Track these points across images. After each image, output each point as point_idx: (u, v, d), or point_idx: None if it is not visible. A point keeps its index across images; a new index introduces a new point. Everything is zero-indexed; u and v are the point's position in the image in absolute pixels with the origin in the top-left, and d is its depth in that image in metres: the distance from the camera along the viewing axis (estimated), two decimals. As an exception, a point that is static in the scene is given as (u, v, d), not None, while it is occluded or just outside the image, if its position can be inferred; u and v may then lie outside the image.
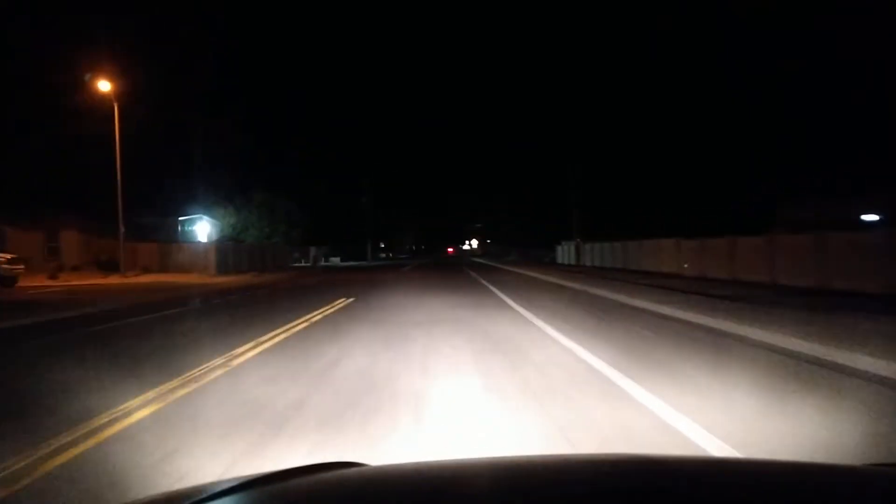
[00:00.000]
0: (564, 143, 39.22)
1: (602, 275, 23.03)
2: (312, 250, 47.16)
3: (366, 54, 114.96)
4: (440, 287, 18.84)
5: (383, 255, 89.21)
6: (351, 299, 13.75)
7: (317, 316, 10.84)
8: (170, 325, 10.29)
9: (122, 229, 22.95)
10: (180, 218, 43.43)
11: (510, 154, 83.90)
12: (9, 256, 18.50)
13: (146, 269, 25.54)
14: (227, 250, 33.59)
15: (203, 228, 44.34)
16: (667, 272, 22.31)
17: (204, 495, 1.01)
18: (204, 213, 48.28)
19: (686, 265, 21.22)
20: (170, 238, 37.50)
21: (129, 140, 26.51)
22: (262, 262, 37.42)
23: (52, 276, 22.31)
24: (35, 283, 20.21)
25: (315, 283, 21.34)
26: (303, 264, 43.77)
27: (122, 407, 4.54)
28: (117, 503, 2.73)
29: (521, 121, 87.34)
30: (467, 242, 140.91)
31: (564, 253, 40.90)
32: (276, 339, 8.04)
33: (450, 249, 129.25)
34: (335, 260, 59.45)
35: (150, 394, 4.96)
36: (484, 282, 20.93)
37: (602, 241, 31.15)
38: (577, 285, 17.91)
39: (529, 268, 29.95)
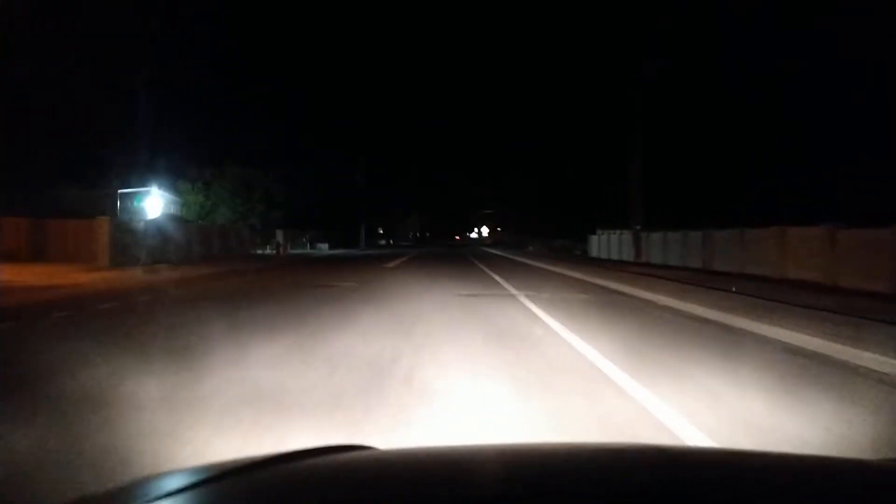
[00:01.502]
0: (615, 108, 30.40)
1: (718, 283, 14.35)
2: (279, 235, 38.61)
3: (366, 11, 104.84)
4: (442, 317, 9.72)
5: (383, 243, 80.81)
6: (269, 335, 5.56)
7: None
8: None
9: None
10: (122, 191, 35.15)
11: (527, 129, 74.31)
12: None
13: (11, 256, 17.26)
14: (147, 232, 25.27)
15: (154, 204, 35.96)
16: (804, 280, 13.75)
17: (211, 475, 1.00)
18: (160, 186, 39.95)
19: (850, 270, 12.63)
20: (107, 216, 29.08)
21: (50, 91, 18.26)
22: (207, 248, 29.05)
23: None
24: None
25: (223, 292, 12.78)
26: (268, 252, 35.17)
27: None
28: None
29: (539, 89, 78.11)
30: (475, 230, 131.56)
31: (602, 244, 32.33)
32: None
33: (458, 237, 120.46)
34: (323, 247, 51.16)
35: None
36: (526, 301, 12.43)
37: (665, 229, 22.64)
38: (740, 320, 9.18)
39: (571, 266, 21.45)
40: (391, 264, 24.96)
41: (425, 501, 0.90)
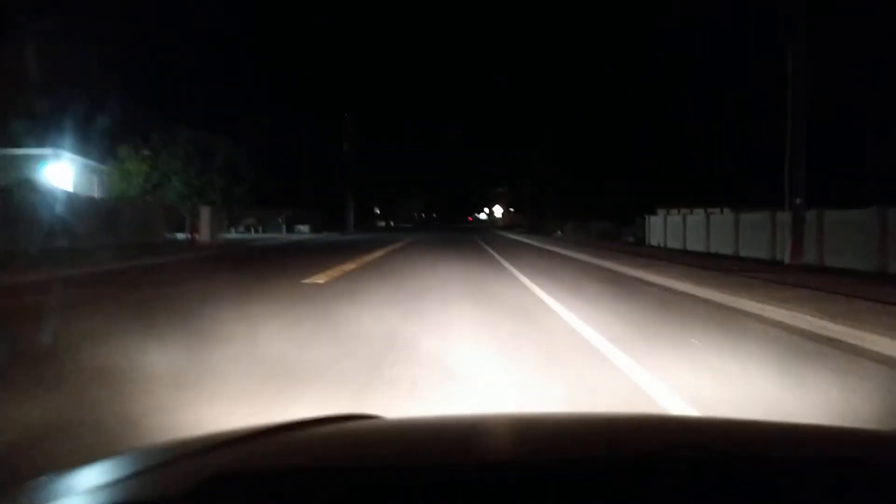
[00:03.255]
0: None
1: None
2: (205, 213, 28.86)
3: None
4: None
5: (382, 224, 71.62)
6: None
7: None
8: None
9: None
10: (15, 151, 26.06)
11: (547, 84, 63.62)
12: None
13: None
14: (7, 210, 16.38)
15: (61, 173, 26.85)
16: None
17: (223, 441, 1.02)
18: (82, 151, 31.01)
19: None
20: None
21: None
22: (115, 234, 20.00)
23: None
24: None
25: None
26: (198, 238, 25.52)
27: None
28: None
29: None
30: (486, 211, 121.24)
31: (670, 228, 22.99)
32: None
33: (470, 218, 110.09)
34: (303, 229, 42.05)
35: None
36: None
37: (838, 207, 13.11)
38: None
39: (679, 272, 12.32)
40: (384, 252, 15.95)
41: (433, 467, 0.90)
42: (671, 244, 22.68)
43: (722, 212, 19.70)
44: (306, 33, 70.54)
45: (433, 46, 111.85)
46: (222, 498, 0.78)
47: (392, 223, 76.91)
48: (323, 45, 77.96)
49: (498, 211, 76.80)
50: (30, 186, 19.39)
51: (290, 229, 42.45)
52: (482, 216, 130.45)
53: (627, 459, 0.91)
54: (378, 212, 62.31)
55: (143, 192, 38.05)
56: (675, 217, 23.88)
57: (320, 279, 10.78)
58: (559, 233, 35.40)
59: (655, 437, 1.10)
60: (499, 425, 1.21)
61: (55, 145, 27.68)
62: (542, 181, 44.30)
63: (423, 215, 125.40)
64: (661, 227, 23.99)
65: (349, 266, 13.75)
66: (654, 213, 26.19)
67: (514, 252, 20.13)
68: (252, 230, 39.13)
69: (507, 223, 71.16)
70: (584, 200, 38.88)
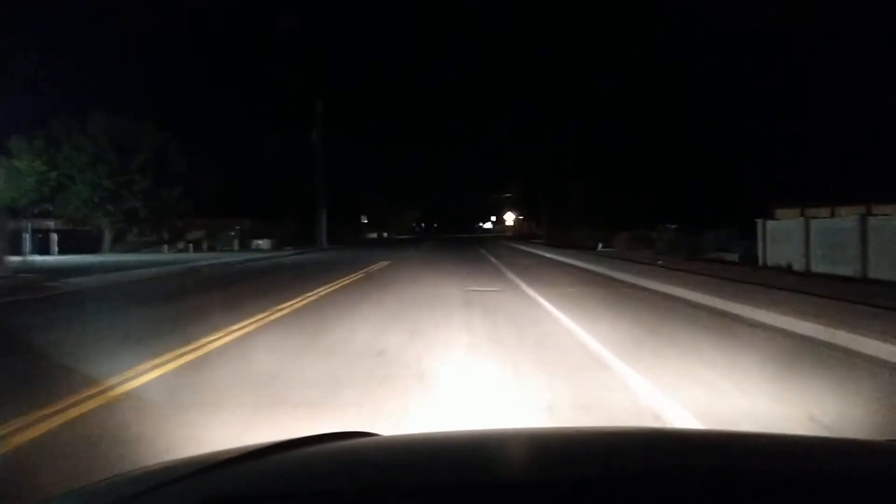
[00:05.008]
0: None
1: None
2: None
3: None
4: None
5: (373, 237, 62.08)
6: None
7: None
8: None
9: None
10: None
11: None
12: None
13: None
14: None
15: None
16: None
17: (213, 463, 0.99)
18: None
19: None
20: None
21: None
22: None
23: None
24: None
25: None
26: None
27: None
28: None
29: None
30: (491, 219, 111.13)
31: (794, 241, 13.53)
32: None
33: (480, 225, 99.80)
34: (262, 244, 32.61)
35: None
36: None
37: None
38: None
39: None
40: (271, 311, 6.64)
41: (430, 488, 0.88)
42: (822, 266, 13.21)
43: None
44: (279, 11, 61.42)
45: (433, 34, 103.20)
46: None
47: (385, 234, 67.31)
48: (299, 27, 68.58)
49: (510, 218, 65.77)
50: None
51: (244, 245, 33.04)
52: (487, 225, 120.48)
53: (627, 479, 0.89)
54: (366, 221, 52.67)
55: (40, 199, 28.71)
56: (829, 222, 14.40)
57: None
58: (600, 246, 25.78)
59: (656, 454, 1.07)
60: (497, 443, 1.17)
61: None
62: (565, 180, 34.67)
63: (423, 225, 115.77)
64: (798, 237, 14.44)
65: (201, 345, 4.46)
66: (769, 215, 16.73)
67: (586, 305, 10.46)
68: (190, 248, 29.72)
69: (519, 232, 61.05)
70: (624, 203, 29.35)
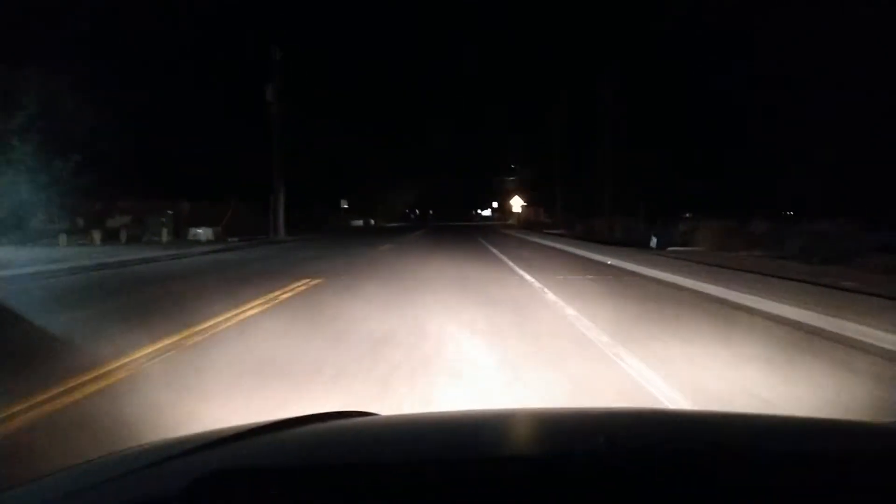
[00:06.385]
0: None
1: None
2: None
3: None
4: None
5: (359, 224, 54.34)
6: None
7: None
8: None
9: None
10: None
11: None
12: None
13: None
14: None
15: None
16: None
17: (216, 439, 1.00)
18: None
19: None
20: None
21: None
22: None
23: None
24: None
25: None
26: None
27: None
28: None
29: None
30: (493, 205, 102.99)
31: None
32: None
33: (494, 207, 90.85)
34: (202, 233, 25.06)
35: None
36: None
37: None
38: None
39: None
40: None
41: (429, 464, 0.88)
42: None
43: None
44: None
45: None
46: (216, 497, 0.77)
47: (373, 222, 59.53)
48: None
49: (517, 203, 56.82)
50: None
51: (179, 234, 25.44)
52: (486, 213, 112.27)
53: (626, 454, 0.90)
54: (346, 206, 44.89)
55: None
56: None
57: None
58: (654, 242, 18.24)
59: (653, 432, 1.08)
60: (496, 421, 1.18)
61: None
62: (595, 150, 26.92)
63: (417, 211, 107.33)
64: None
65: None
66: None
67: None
68: (96, 239, 22.15)
69: (526, 221, 52.91)
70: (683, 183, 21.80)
